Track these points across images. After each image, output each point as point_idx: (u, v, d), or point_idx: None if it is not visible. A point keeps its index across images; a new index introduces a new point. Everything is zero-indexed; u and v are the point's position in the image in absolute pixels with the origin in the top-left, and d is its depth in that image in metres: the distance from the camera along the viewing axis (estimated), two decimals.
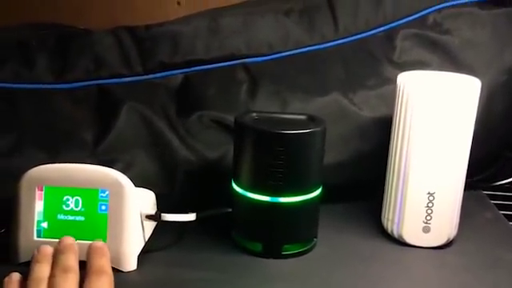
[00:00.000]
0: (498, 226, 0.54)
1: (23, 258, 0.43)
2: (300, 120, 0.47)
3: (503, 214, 0.56)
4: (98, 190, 0.43)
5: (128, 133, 0.51)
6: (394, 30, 0.58)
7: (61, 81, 0.53)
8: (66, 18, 0.62)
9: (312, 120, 0.47)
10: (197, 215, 0.46)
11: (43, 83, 0.53)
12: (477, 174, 0.58)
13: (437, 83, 0.47)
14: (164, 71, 0.55)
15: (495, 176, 0.64)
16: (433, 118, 0.46)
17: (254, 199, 0.46)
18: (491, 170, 0.64)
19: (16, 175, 0.44)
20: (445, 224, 0.48)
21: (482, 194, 0.61)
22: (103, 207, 0.43)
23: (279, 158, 0.44)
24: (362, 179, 0.55)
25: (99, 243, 0.43)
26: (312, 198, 0.46)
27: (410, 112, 0.46)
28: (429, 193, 0.47)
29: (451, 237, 0.49)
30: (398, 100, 0.48)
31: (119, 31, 0.56)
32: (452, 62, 0.56)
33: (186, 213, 0.46)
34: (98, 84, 0.54)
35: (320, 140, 0.46)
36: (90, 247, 0.42)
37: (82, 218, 0.43)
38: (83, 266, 0.41)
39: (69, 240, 0.42)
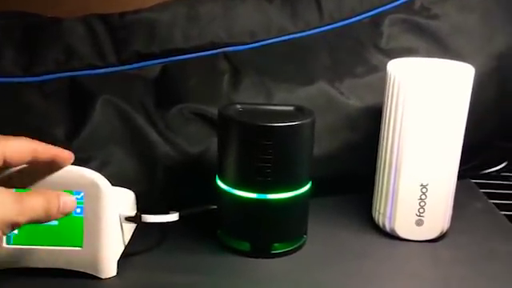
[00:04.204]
0: (490, 216, 0.53)
1: None
2: (287, 111, 0.45)
3: (493, 203, 0.55)
4: (71, 192, 0.40)
5: (103, 128, 0.49)
6: (381, 16, 0.56)
7: (30, 74, 0.51)
8: (33, 7, 0.59)
9: (300, 111, 0.45)
10: (180, 215, 0.44)
11: (11, 76, 0.50)
12: (466, 163, 0.57)
13: (429, 71, 0.46)
14: (140, 62, 0.53)
15: (484, 164, 0.63)
16: (426, 106, 0.44)
17: (240, 196, 0.44)
18: (480, 158, 0.63)
19: None
20: (438, 216, 0.47)
21: (471, 184, 0.60)
22: (78, 210, 0.40)
23: (267, 153, 0.42)
24: (351, 171, 0.53)
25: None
26: (302, 194, 0.45)
27: (402, 101, 0.45)
28: (422, 185, 0.46)
29: (444, 229, 0.48)
30: (389, 88, 0.46)
31: (91, 19, 0.53)
32: (440, 47, 0.55)
33: (168, 212, 0.44)
34: (69, 76, 0.51)
35: (309, 132, 0.44)
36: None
37: (56, 223, 0.41)
38: (51, 273, 0.37)
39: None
